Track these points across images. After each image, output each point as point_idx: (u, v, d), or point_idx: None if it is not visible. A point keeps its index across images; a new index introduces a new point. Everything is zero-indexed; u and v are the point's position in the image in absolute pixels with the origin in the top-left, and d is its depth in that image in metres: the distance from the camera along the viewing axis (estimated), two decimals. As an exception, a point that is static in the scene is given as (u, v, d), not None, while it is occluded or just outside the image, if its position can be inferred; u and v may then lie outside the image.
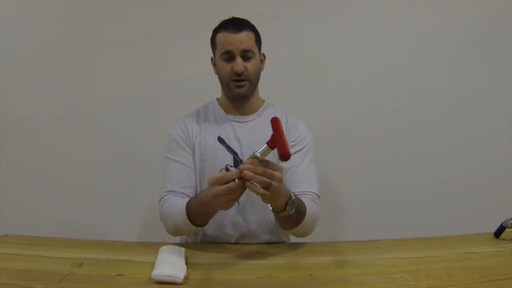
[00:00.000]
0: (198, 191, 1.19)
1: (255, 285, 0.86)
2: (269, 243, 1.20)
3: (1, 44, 1.80)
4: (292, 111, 1.32)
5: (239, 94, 1.19)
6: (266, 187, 0.87)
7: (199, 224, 1.06)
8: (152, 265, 0.88)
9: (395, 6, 1.79)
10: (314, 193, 1.16)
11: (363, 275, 0.90)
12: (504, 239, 1.15)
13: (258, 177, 0.85)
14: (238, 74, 1.15)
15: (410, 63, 1.81)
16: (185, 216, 1.04)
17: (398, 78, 1.81)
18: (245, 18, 1.21)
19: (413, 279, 0.87)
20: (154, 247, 1.12)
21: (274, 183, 0.87)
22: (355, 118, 1.81)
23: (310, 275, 0.91)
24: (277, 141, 0.87)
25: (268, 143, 0.88)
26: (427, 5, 1.79)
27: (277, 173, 0.88)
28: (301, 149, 1.21)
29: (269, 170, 0.87)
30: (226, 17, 1.21)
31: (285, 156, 0.85)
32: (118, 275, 0.88)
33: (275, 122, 0.92)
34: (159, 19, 1.80)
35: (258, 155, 0.87)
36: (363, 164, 1.81)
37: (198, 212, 1.04)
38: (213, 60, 1.25)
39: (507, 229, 1.15)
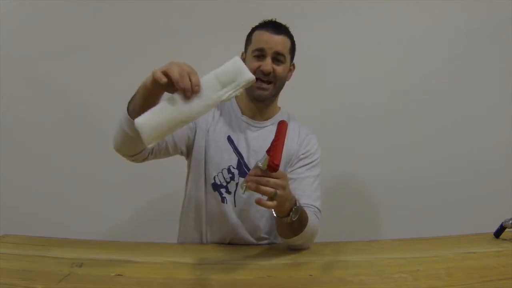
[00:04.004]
0: (197, 188, 1.18)
1: (255, 285, 0.87)
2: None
3: (0, 44, 1.80)
4: (291, 110, 1.31)
5: (259, 96, 1.15)
6: (272, 196, 0.87)
7: (132, 110, 0.94)
8: (152, 265, 0.88)
9: (395, 7, 1.79)
10: (317, 208, 1.14)
11: (363, 275, 0.90)
12: (504, 239, 1.15)
13: (262, 188, 0.85)
14: (265, 74, 1.12)
15: (410, 64, 1.81)
16: (126, 107, 0.95)
17: (397, 79, 1.81)
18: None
19: (413, 279, 0.87)
20: (154, 247, 1.12)
21: (278, 191, 0.87)
22: (355, 118, 1.81)
23: (310, 275, 0.91)
24: (271, 149, 0.87)
25: (267, 151, 0.87)
26: (428, 6, 1.79)
27: (280, 181, 0.87)
28: (309, 163, 1.19)
29: (272, 180, 0.86)
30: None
31: (271, 167, 0.84)
32: (118, 275, 0.88)
33: (279, 128, 0.91)
34: (159, 20, 1.80)
35: (260, 164, 0.86)
36: (363, 165, 1.81)
37: (136, 93, 0.93)
38: (242, 55, 1.21)
39: (507, 229, 1.15)
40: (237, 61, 0.86)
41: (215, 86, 0.83)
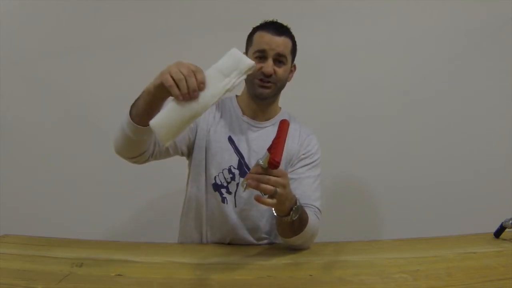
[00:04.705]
0: (197, 188, 1.18)
1: (255, 285, 0.87)
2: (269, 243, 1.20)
3: (0, 44, 1.80)
4: (291, 110, 1.31)
5: (260, 94, 1.15)
6: (272, 194, 0.87)
7: (135, 114, 0.94)
8: (152, 265, 0.88)
9: (395, 7, 1.79)
10: (317, 208, 1.14)
11: (363, 275, 0.90)
12: (504, 239, 1.15)
13: (263, 186, 0.86)
14: (266, 76, 1.12)
15: (410, 64, 1.81)
16: (128, 111, 0.95)
17: (397, 79, 1.81)
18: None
19: (413, 279, 0.87)
20: (154, 247, 1.12)
21: (279, 190, 0.87)
22: (355, 118, 1.81)
23: (310, 275, 0.91)
24: (272, 147, 0.87)
25: (268, 149, 0.88)
26: (428, 6, 1.79)
27: (281, 180, 0.88)
28: (310, 163, 1.19)
29: (273, 178, 0.87)
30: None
31: (272, 164, 0.85)
32: (118, 275, 0.88)
33: (281, 127, 0.91)
34: (159, 20, 1.80)
35: (261, 162, 0.87)
36: (363, 165, 1.81)
37: (140, 97, 0.94)
38: None
39: (507, 229, 1.16)
40: (234, 51, 0.87)
41: (218, 77, 0.84)
